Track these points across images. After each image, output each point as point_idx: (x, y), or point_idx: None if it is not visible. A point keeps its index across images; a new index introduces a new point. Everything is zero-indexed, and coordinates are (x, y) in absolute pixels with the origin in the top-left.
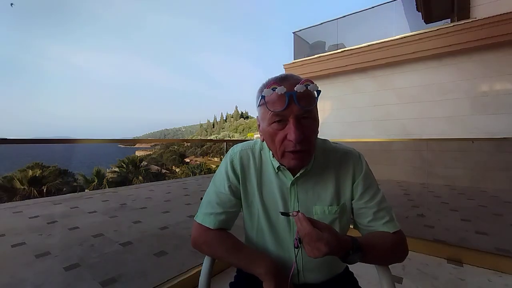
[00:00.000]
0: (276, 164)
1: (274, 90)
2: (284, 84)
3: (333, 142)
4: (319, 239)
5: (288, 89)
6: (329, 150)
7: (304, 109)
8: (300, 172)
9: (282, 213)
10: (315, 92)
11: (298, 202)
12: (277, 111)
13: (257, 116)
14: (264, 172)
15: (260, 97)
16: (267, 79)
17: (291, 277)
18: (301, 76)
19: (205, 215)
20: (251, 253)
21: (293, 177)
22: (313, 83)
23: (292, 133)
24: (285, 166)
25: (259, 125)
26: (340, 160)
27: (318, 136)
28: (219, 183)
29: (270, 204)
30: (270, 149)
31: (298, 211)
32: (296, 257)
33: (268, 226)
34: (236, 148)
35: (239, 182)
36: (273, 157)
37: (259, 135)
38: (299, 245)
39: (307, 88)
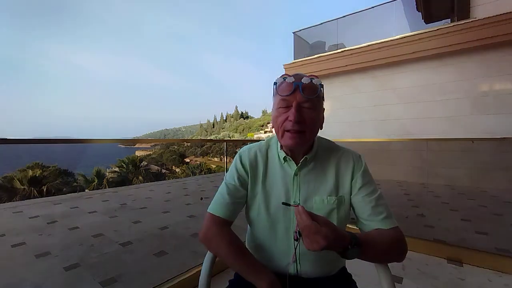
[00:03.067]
0: (283, 154)
1: (285, 79)
2: (294, 76)
3: (337, 143)
4: (317, 232)
5: (296, 80)
6: (332, 148)
7: (306, 97)
8: (301, 160)
9: (284, 203)
10: (319, 86)
11: (299, 191)
12: (284, 95)
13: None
14: (270, 166)
15: (274, 85)
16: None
17: (289, 266)
18: None
19: (216, 205)
20: (256, 264)
21: (296, 166)
22: (318, 78)
23: (292, 115)
24: (289, 156)
25: (272, 114)
26: (341, 156)
27: (322, 137)
28: (229, 177)
29: (272, 195)
30: (274, 131)
31: (299, 204)
32: (295, 249)
33: (267, 216)
34: (245, 147)
35: (248, 175)
36: (280, 149)
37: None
38: (299, 238)
39: (311, 81)
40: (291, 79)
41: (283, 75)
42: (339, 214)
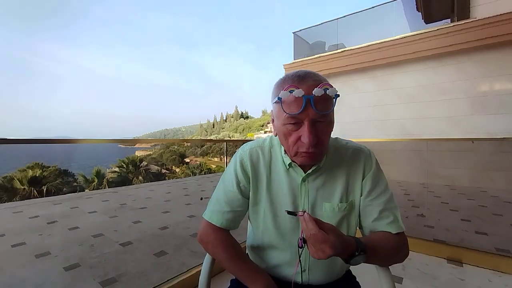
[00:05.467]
0: (288, 160)
1: (291, 93)
2: (302, 86)
3: (344, 140)
4: (324, 241)
5: (306, 92)
6: (340, 148)
7: (320, 114)
8: (312, 169)
9: (289, 212)
10: (334, 97)
11: (308, 198)
12: (293, 114)
13: (271, 110)
14: (274, 170)
15: (276, 98)
16: (285, 75)
17: (294, 276)
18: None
19: (213, 213)
20: (252, 268)
21: (304, 173)
22: (332, 86)
23: (306, 137)
24: (292, 162)
25: (273, 120)
26: (351, 157)
27: None
28: (227, 181)
29: (278, 202)
30: (283, 145)
31: (304, 211)
32: (300, 256)
33: (274, 225)
34: (246, 147)
35: (249, 181)
36: (284, 153)
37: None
38: (303, 245)
39: (325, 92)
40: (300, 93)
41: (288, 86)
42: (350, 219)
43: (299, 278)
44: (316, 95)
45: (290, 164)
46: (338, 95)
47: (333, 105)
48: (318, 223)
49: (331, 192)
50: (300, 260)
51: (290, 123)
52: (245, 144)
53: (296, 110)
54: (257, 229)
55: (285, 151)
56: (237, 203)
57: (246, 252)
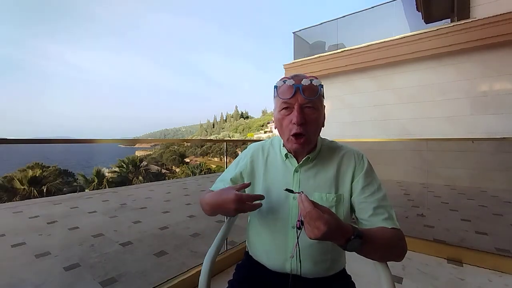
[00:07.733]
0: (284, 151)
1: (285, 82)
2: (294, 79)
3: (339, 143)
4: (319, 217)
5: (295, 82)
6: (334, 148)
7: (307, 99)
8: (303, 159)
9: (287, 190)
10: (319, 87)
11: (299, 187)
12: (285, 98)
13: (274, 109)
14: (271, 161)
15: (274, 88)
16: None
17: (293, 254)
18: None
19: (214, 186)
20: (220, 192)
21: (297, 164)
22: (317, 78)
23: (295, 117)
24: (291, 154)
25: (274, 116)
26: (343, 156)
27: (325, 137)
28: (230, 167)
29: (272, 189)
30: (279, 134)
31: (302, 192)
32: (298, 238)
33: (269, 209)
34: (251, 145)
35: (246, 167)
36: (283, 146)
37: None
38: (301, 226)
39: (311, 82)
40: (291, 82)
41: (283, 78)
42: (338, 213)
43: (290, 265)
44: (304, 84)
45: (286, 155)
46: (322, 85)
47: (318, 93)
48: (315, 205)
49: (321, 183)
50: (297, 244)
51: (283, 108)
52: (252, 143)
53: (288, 95)
54: (253, 215)
55: (283, 144)
56: (233, 176)
57: (246, 249)
